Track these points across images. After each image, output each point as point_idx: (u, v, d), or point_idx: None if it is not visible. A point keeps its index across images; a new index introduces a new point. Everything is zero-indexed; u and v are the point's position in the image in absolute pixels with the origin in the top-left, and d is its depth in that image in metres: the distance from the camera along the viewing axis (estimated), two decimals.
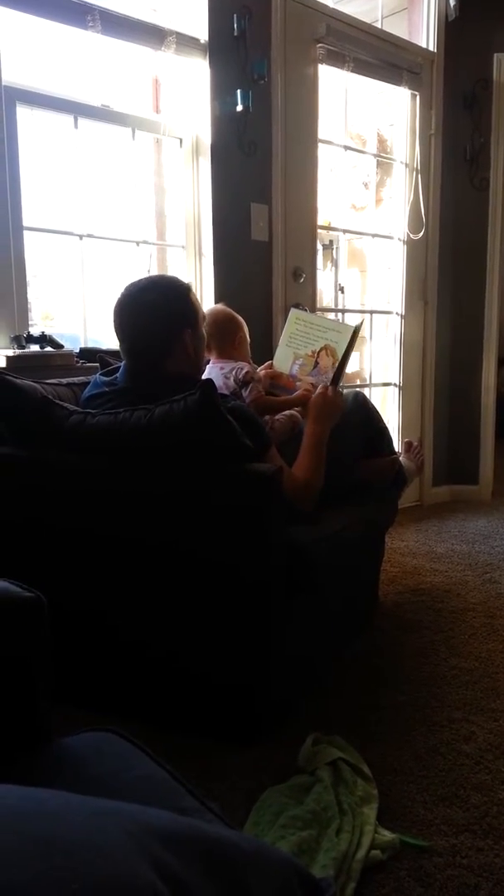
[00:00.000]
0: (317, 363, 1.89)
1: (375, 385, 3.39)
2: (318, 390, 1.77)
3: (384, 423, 2.10)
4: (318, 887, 0.62)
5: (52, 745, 0.83)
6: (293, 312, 1.99)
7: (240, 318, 1.94)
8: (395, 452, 2.11)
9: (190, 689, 1.49)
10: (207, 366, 1.87)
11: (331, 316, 3.32)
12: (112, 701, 1.54)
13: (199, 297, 2.13)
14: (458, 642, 1.96)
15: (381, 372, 3.45)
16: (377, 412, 2.08)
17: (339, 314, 3.40)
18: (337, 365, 1.84)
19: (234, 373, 1.80)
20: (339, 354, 1.86)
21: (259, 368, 1.94)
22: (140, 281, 1.62)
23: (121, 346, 1.59)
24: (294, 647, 1.55)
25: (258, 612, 1.41)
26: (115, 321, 1.58)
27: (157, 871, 0.44)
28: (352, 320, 3.34)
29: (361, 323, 1.87)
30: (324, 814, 1.22)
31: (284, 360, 1.95)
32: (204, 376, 1.85)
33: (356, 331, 1.83)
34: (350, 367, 1.88)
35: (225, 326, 1.89)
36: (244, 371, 1.80)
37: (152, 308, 1.55)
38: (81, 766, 0.80)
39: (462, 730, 1.53)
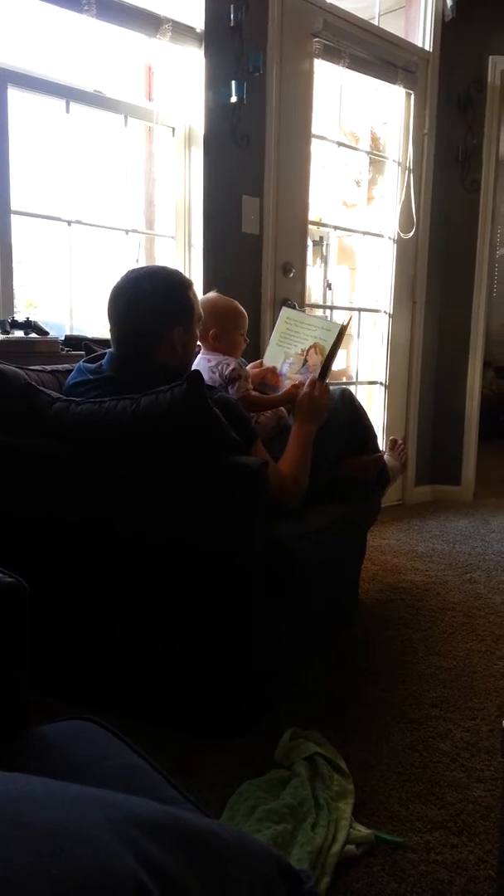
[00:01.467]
0: (305, 361, 1.88)
1: (361, 383, 3.40)
2: (305, 389, 1.76)
3: (370, 421, 2.10)
4: (297, 878, 0.62)
5: (28, 734, 0.82)
6: (284, 311, 1.98)
7: (219, 308, 1.86)
8: (379, 451, 2.11)
9: (170, 682, 1.48)
10: (197, 356, 1.85)
11: (319, 312, 3.32)
12: (90, 692, 1.53)
13: None
14: (436, 641, 1.97)
15: (367, 370, 3.46)
16: (363, 410, 2.08)
17: (328, 311, 3.40)
18: (319, 368, 1.83)
19: (220, 367, 1.78)
20: (328, 352, 1.86)
21: (248, 366, 1.93)
22: (142, 269, 1.60)
23: (111, 331, 1.57)
24: (275, 641, 1.55)
25: (239, 605, 1.41)
26: (108, 306, 1.56)
27: (138, 859, 0.44)
28: (340, 318, 3.34)
29: (349, 320, 1.86)
30: (300, 808, 1.22)
31: (275, 358, 1.95)
32: (193, 367, 1.84)
33: (343, 328, 1.83)
34: (337, 365, 1.87)
35: (212, 316, 1.86)
36: (230, 368, 1.78)
37: (146, 299, 1.53)
38: (59, 755, 0.79)
39: (439, 728, 1.53)
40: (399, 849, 1.18)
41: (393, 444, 2.36)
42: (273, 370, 1.94)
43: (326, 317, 3.24)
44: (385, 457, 2.22)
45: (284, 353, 1.93)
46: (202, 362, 1.82)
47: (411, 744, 1.47)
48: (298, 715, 1.54)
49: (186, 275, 2.55)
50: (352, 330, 3.26)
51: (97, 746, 0.81)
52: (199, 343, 1.87)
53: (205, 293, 1.70)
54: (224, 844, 0.54)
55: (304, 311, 2.67)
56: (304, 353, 1.89)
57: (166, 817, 0.52)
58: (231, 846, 0.55)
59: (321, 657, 1.84)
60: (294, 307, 2.67)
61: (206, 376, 1.79)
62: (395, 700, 1.64)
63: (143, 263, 2.58)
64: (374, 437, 2.09)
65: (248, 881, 0.54)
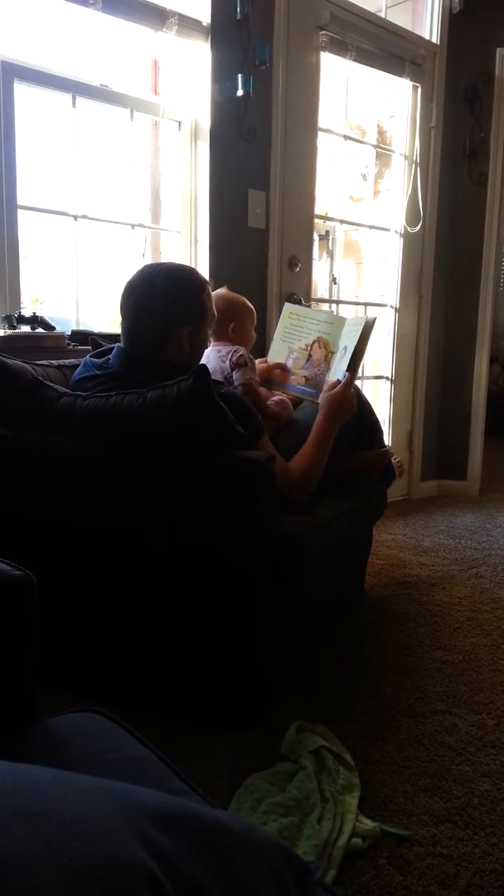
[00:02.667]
0: (310, 356, 1.88)
1: (367, 378, 3.39)
2: (339, 387, 1.75)
3: (376, 416, 2.10)
4: (306, 869, 0.62)
5: (37, 726, 0.82)
6: (287, 307, 1.98)
7: (243, 305, 1.91)
8: (385, 445, 2.11)
9: (177, 675, 1.48)
10: (208, 348, 1.86)
11: (325, 307, 3.31)
12: (98, 684, 1.53)
13: None
14: (442, 635, 1.97)
15: (373, 365, 3.45)
16: (369, 405, 2.08)
17: (334, 305, 3.39)
18: (349, 360, 1.80)
19: (229, 355, 1.79)
20: (333, 347, 1.85)
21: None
22: (158, 266, 1.60)
23: (121, 324, 1.57)
24: (282, 635, 1.55)
25: (247, 599, 1.41)
26: (121, 299, 1.56)
27: (148, 849, 0.44)
28: (345, 312, 3.34)
29: (374, 319, 1.83)
30: (306, 801, 1.22)
31: (279, 354, 1.94)
32: (202, 358, 1.85)
33: (368, 325, 1.79)
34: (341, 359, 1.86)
35: (221, 311, 1.87)
36: (239, 354, 1.79)
37: (157, 297, 1.53)
38: (67, 746, 0.79)
39: (445, 722, 1.53)
40: (405, 842, 1.18)
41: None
42: (279, 366, 1.94)
43: (331, 311, 3.23)
44: None
45: (289, 347, 1.92)
46: (212, 352, 1.83)
47: (417, 738, 1.47)
48: (304, 708, 1.55)
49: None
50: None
51: (105, 738, 0.81)
52: (210, 338, 1.88)
53: (214, 289, 1.70)
54: (233, 835, 0.54)
55: (307, 306, 2.67)
56: (308, 347, 1.88)
57: (176, 808, 0.52)
58: (240, 837, 0.55)
59: (327, 651, 1.84)
60: (298, 302, 2.67)
61: (215, 365, 1.80)
62: (401, 694, 1.64)
63: (149, 258, 2.59)
64: (381, 431, 2.09)
65: (258, 872, 0.54)
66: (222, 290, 1.91)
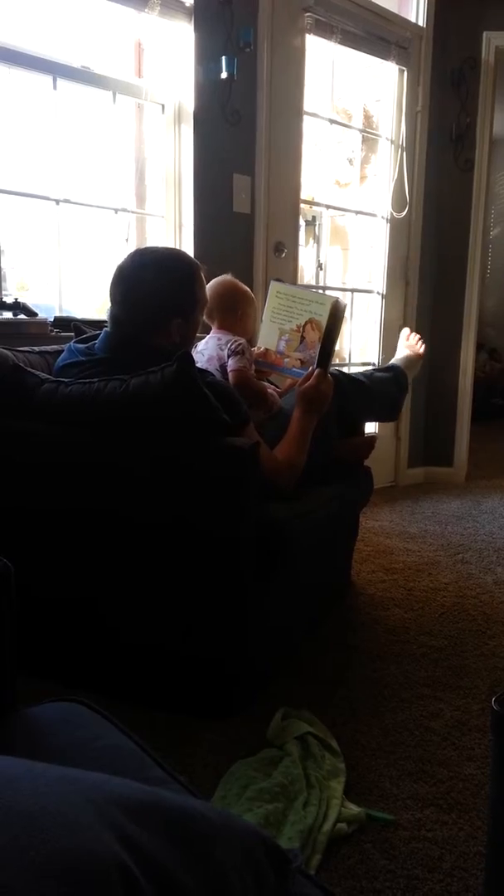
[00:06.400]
0: (303, 338, 1.85)
1: (354, 364, 3.38)
2: (311, 381, 1.74)
3: (361, 403, 2.09)
4: (285, 858, 0.62)
5: (15, 716, 0.82)
6: (273, 285, 1.95)
7: (245, 294, 1.91)
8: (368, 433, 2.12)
9: (163, 663, 1.48)
10: (208, 335, 1.85)
11: (311, 289, 3.28)
12: (82, 674, 1.52)
13: None
14: (428, 621, 1.98)
15: (360, 352, 3.44)
16: (354, 388, 2.06)
17: (320, 292, 3.37)
18: (318, 346, 1.79)
19: (228, 344, 1.79)
20: (324, 335, 1.83)
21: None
22: (147, 252, 1.57)
23: (110, 309, 1.55)
24: (268, 622, 1.55)
25: (232, 586, 1.41)
26: (110, 284, 1.53)
27: (121, 841, 0.43)
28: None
29: (338, 300, 1.81)
30: (291, 787, 1.22)
31: (270, 336, 1.91)
32: (202, 344, 1.84)
33: (336, 307, 1.78)
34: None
35: (224, 301, 1.87)
36: (237, 343, 1.78)
37: (148, 287, 1.51)
38: (46, 736, 0.78)
39: (430, 707, 1.54)
40: (390, 826, 1.19)
41: (407, 337, 2.32)
42: (269, 352, 1.91)
43: (319, 290, 3.21)
44: (398, 354, 2.23)
45: (279, 329, 1.89)
46: (212, 340, 1.82)
47: (403, 723, 1.48)
48: (290, 695, 1.55)
49: None
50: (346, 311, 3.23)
51: (85, 728, 0.81)
52: (211, 325, 1.88)
53: (205, 274, 1.68)
54: (209, 825, 0.53)
55: (293, 285, 2.63)
56: (300, 328, 1.85)
57: (150, 798, 0.51)
58: (216, 827, 0.54)
59: (313, 637, 1.85)
60: (284, 283, 2.64)
61: (213, 352, 1.79)
62: (386, 679, 1.65)
63: (133, 243, 2.55)
64: (363, 418, 2.09)
65: (234, 862, 0.53)
66: (230, 278, 1.91)
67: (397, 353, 2.34)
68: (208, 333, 1.89)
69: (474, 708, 1.54)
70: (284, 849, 0.63)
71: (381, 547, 2.62)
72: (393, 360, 2.32)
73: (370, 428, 3.19)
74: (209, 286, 1.89)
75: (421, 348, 2.32)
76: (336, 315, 1.78)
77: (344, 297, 3.31)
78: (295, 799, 1.20)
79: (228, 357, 1.76)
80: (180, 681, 1.47)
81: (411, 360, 2.27)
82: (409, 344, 2.31)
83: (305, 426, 1.70)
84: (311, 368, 1.77)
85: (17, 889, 0.36)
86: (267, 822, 1.14)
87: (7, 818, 0.41)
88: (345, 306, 1.83)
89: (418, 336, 2.35)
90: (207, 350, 1.82)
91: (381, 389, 2.13)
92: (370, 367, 2.31)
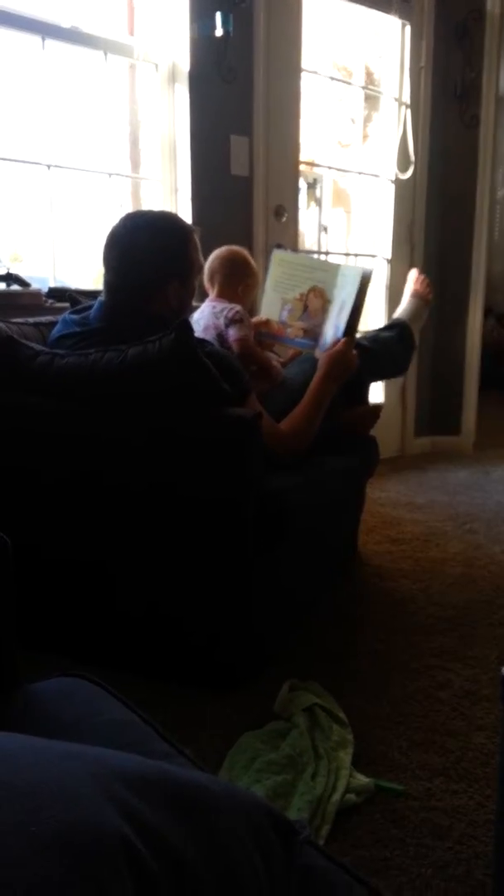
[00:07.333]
0: (306, 307, 1.80)
1: (358, 333, 3.31)
2: (340, 346, 1.69)
3: (368, 370, 2.04)
4: (292, 829, 0.61)
5: (19, 691, 0.81)
6: (276, 254, 1.90)
7: (252, 267, 1.86)
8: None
9: (168, 636, 1.47)
10: (203, 303, 1.80)
11: (314, 257, 3.22)
12: (87, 649, 1.51)
13: None
14: (435, 591, 1.96)
15: (364, 318, 3.37)
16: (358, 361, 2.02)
17: (323, 256, 3.30)
18: (347, 317, 1.72)
19: (224, 312, 1.74)
20: (329, 296, 1.78)
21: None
22: (140, 215, 1.53)
23: (104, 276, 1.50)
24: (273, 594, 1.53)
25: (236, 557, 1.38)
26: (103, 250, 1.49)
27: (123, 814, 0.43)
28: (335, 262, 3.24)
29: (371, 272, 1.75)
30: (299, 759, 1.21)
31: (272, 305, 1.86)
32: (197, 314, 1.79)
33: (365, 279, 1.71)
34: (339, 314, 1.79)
35: (230, 268, 1.82)
36: (234, 310, 1.73)
37: (142, 250, 1.46)
38: (49, 712, 0.78)
39: (438, 677, 1.53)
40: (400, 797, 1.18)
41: (416, 279, 2.24)
42: (269, 321, 1.86)
43: (322, 255, 3.14)
44: (404, 301, 2.17)
45: (282, 298, 1.84)
46: (206, 309, 1.78)
47: (411, 693, 1.46)
48: (297, 667, 1.53)
49: None
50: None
51: (88, 703, 0.80)
52: (210, 291, 1.83)
53: (200, 236, 1.63)
54: (213, 797, 0.53)
55: (296, 252, 2.57)
56: (303, 297, 1.81)
57: (153, 771, 0.51)
58: (220, 799, 0.54)
59: (320, 609, 1.83)
60: (287, 251, 2.58)
61: (209, 321, 1.74)
62: (394, 650, 1.63)
63: (128, 207, 2.49)
64: (368, 387, 2.05)
65: (239, 833, 0.53)
66: (235, 247, 1.87)
67: (403, 299, 2.25)
68: (202, 303, 1.84)
69: (483, 678, 1.52)
70: (291, 819, 0.62)
71: (387, 518, 2.59)
72: (398, 313, 2.23)
73: (376, 396, 3.15)
74: (217, 251, 1.85)
75: (428, 293, 2.24)
76: (364, 286, 1.72)
77: (370, 267, 3.24)
78: (303, 770, 1.19)
79: (227, 326, 1.71)
80: (185, 653, 1.46)
81: (418, 309, 2.19)
82: (417, 288, 2.22)
83: (325, 392, 1.66)
84: (330, 339, 1.73)
85: (18, 865, 0.36)
86: (275, 794, 1.14)
87: (7, 794, 0.41)
88: (370, 273, 1.76)
89: (426, 279, 2.25)
90: (203, 319, 1.77)
91: (388, 351, 2.08)
92: (375, 329, 2.24)
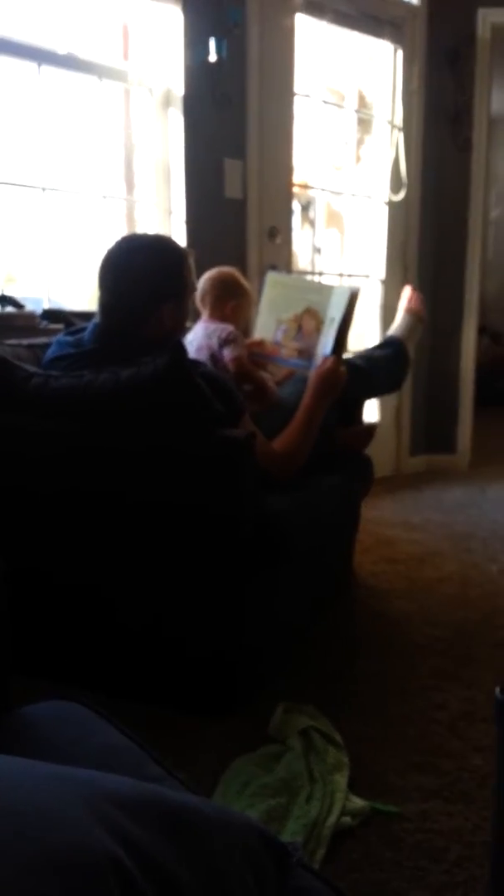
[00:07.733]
0: (300, 327, 1.82)
1: (352, 352, 3.34)
2: (329, 364, 1.70)
3: (361, 390, 2.06)
4: (285, 851, 0.60)
5: (10, 715, 0.80)
6: (270, 276, 1.92)
7: (244, 288, 1.88)
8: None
9: (163, 659, 1.46)
10: (196, 324, 1.81)
11: (308, 278, 3.25)
12: (80, 673, 1.50)
13: None
14: (432, 611, 1.95)
15: (358, 338, 3.39)
16: (350, 378, 2.03)
17: (317, 277, 3.33)
18: (335, 334, 1.74)
19: (217, 332, 1.75)
20: (323, 316, 1.79)
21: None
22: (135, 238, 1.57)
23: (99, 298, 1.52)
24: (268, 614, 1.52)
25: (230, 579, 1.38)
26: (99, 272, 1.51)
27: (113, 835, 0.43)
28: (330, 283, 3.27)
29: (358, 290, 1.78)
30: (294, 782, 1.20)
31: (267, 326, 1.88)
32: (190, 335, 1.80)
33: (353, 296, 1.73)
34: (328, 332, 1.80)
35: (220, 288, 1.84)
36: (228, 331, 1.74)
37: (137, 273, 1.48)
38: (41, 735, 0.77)
39: (435, 698, 1.52)
40: (395, 819, 1.17)
41: (410, 296, 2.24)
42: (263, 342, 1.88)
43: (315, 276, 3.16)
44: (397, 319, 2.17)
45: (276, 319, 1.86)
46: (200, 329, 1.79)
47: (407, 715, 1.45)
48: (292, 689, 1.52)
49: None
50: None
51: (80, 726, 0.80)
52: (202, 311, 1.85)
53: (195, 259, 1.66)
54: (205, 819, 0.53)
55: (290, 274, 2.60)
56: (298, 318, 1.82)
57: (144, 793, 0.51)
58: (213, 821, 0.53)
59: (315, 630, 1.82)
60: (281, 272, 2.61)
61: (202, 342, 1.76)
62: (390, 671, 1.62)
63: (122, 230, 2.51)
64: (363, 406, 2.06)
65: (231, 855, 0.53)
66: (225, 268, 1.89)
67: (397, 316, 2.27)
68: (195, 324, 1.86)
69: (480, 698, 1.51)
70: (284, 842, 0.62)
71: (382, 537, 2.59)
72: (392, 330, 2.25)
73: (370, 415, 3.16)
74: (207, 273, 1.87)
75: (422, 309, 2.25)
76: (352, 304, 1.73)
77: (356, 285, 3.26)
78: (298, 794, 1.18)
79: (220, 347, 1.73)
80: (179, 678, 1.45)
81: (412, 327, 2.20)
82: (411, 305, 2.24)
83: (315, 410, 1.66)
84: (321, 357, 1.74)
85: (4, 884, 0.36)
86: (270, 818, 1.12)
87: None
88: (357, 291, 1.78)
89: (420, 296, 2.26)
90: (196, 340, 1.79)
91: (382, 370, 2.09)
92: (369, 348, 2.26)
